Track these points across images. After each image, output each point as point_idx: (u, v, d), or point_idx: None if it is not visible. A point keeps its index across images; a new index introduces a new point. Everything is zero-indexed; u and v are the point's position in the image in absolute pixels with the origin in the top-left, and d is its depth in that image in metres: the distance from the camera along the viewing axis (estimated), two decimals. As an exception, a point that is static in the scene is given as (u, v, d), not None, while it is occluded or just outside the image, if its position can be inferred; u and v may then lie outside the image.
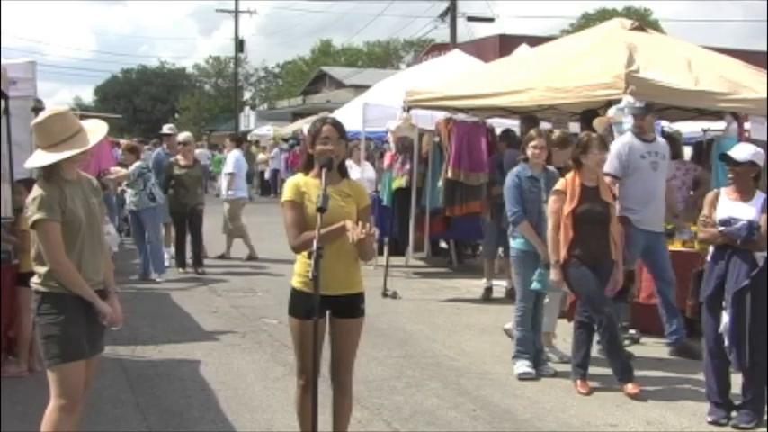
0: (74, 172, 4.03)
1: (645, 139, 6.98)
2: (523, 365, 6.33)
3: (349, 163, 11.97)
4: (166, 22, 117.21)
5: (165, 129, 13.03)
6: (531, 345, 6.41)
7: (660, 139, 7.21)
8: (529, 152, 6.45)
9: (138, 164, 10.77)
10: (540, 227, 6.32)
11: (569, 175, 6.10)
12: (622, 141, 6.99)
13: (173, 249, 11.56)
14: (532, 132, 6.62)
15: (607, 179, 6.46)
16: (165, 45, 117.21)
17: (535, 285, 6.28)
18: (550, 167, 6.58)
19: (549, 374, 6.34)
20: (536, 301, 6.43)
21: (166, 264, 11.05)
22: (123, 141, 16.95)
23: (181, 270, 11.02)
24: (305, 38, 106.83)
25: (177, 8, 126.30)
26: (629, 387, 5.88)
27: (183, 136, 11.68)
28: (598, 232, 5.97)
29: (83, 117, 4.27)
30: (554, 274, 6.00)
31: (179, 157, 11.22)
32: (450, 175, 10.46)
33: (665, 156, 7.01)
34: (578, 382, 6.02)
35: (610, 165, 6.68)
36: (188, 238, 11.30)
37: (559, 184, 6.08)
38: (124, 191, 11.12)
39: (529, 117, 9.38)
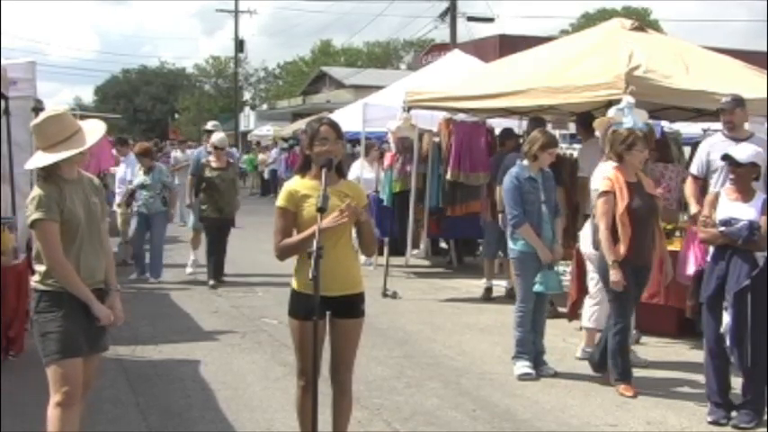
0: (73, 171, 4.04)
1: (735, 137, 6.76)
2: (523, 366, 6.33)
3: (360, 163, 12.02)
4: (169, 22, 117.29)
5: (209, 125, 12.20)
6: (531, 345, 6.40)
7: (760, 136, 6.94)
8: (544, 157, 6.33)
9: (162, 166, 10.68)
10: (540, 227, 6.31)
11: (611, 174, 5.98)
12: (706, 141, 7.07)
13: (192, 256, 10.96)
14: (547, 138, 6.45)
15: (689, 179, 6.42)
16: (168, 45, 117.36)
17: (538, 288, 6.26)
18: (545, 168, 6.51)
19: (548, 375, 6.34)
20: (537, 302, 6.41)
21: (189, 270, 10.76)
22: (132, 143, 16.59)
23: (213, 283, 10.10)
24: (307, 38, 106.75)
25: (180, 8, 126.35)
26: (622, 387, 5.92)
27: (217, 139, 10.52)
28: (646, 228, 5.90)
29: (82, 117, 4.27)
30: (614, 275, 5.78)
31: (211, 158, 10.36)
32: (449, 176, 10.48)
33: None
34: (621, 386, 5.96)
35: (693, 164, 7.05)
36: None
37: (605, 185, 5.95)
38: (134, 190, 10.64)
39: (536, 118, 9.32)
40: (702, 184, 7.05)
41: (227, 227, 10.39)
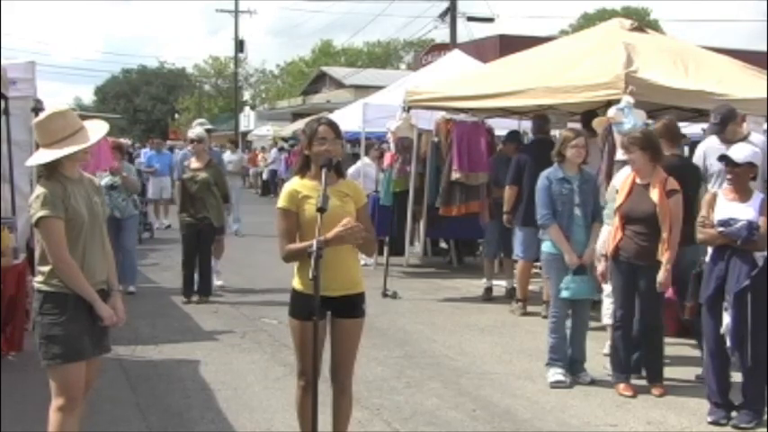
0: (75, 170, 4.04)
1: (730, 139, 6.73)
2: (556, 373, 6.14)
3: (362, 162, 12.05)
4: (173, 22, 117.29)
5: (195, 125, 10.88)
6: (565, 352, 6.22)
7: (756, 138, 6.91)
8: (568, 153, 6.22)
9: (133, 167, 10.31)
10: (569, 230, 6.18)
11: (629, 174, 6.07)
12: (702, 144, 7.04)
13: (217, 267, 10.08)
14: (569, 132, 6.38)
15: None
16: (172, 45, 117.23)
17: (564, 294, 6.13)
18: (586, 168, 6.41)
19: (585, 383, 6.15)
20: (577, 308, 6.25)
21: (219, 282, 10.00)
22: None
23: (184, 300, 9.18)
24: (310, 38, 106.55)
25: (184, 8, 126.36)
26: (622, 387, 5.92)
27: (193, 132, 9.73)
28: (642, 231, 5.82)
29: (83, 117, 4.27)
30: (599, 268, 6.06)
31: (193, 158, 9.50)
32: (453, 177, 10.46)
33: None
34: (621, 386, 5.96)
35: None
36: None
37: (619, 185, 6.12)
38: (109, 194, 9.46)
39: (539, 116, 9.24)
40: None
41: (208, 234, 9.35)
